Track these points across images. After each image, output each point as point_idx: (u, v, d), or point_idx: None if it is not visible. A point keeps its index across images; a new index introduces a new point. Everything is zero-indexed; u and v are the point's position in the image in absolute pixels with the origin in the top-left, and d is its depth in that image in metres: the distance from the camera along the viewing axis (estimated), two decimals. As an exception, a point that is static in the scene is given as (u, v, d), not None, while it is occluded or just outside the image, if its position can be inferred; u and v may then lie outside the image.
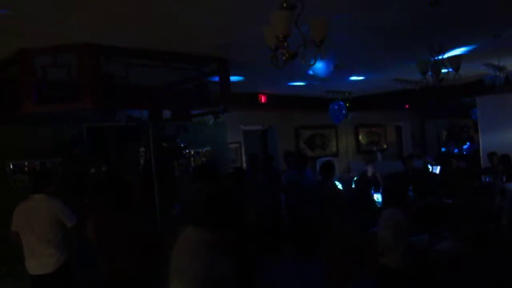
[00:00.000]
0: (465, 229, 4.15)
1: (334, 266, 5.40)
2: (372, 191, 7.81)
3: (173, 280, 2.50)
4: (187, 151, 7.09)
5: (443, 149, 13.90)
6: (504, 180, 7.06)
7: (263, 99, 9.18)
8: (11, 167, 5.41)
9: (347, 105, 10.20)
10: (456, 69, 5.04)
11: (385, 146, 13.38)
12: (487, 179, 7.58)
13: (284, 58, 2.49)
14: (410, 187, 6.86)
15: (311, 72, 5.70)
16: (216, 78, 5.69)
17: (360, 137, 12.66)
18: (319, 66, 5.33)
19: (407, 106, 12.91)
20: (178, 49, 4.95)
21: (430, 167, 10.07)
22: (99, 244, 4.11)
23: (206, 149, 7.41)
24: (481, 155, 9.54)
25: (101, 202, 4.36)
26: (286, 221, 7.72)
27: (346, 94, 10.19)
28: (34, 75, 4.29)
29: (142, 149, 6.69)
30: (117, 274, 4.03)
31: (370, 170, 8.58)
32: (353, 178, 9.24)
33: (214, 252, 2.41)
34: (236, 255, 4.45)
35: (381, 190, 7.45)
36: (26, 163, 5.51)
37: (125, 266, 4.00)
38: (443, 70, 5.22)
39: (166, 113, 6.65)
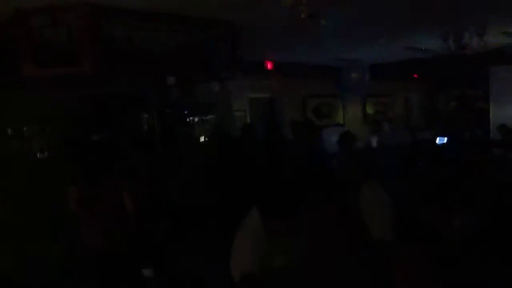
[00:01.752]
0: (481, 202, 4.03)
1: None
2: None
3: None
4: (191, 118, 6.93)
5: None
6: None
7: (269, 66, 8.91)
8: (10, 132, 5.26)
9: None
10: (481, 34, 4.77)
11: (392, 117, 13.15)
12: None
13: (302, 15, 2.28)
14: (422, 159, 6.70)
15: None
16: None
17: (367, 107, 12.42)
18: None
19: (415, 75, 12.63)
20: (184, 11, 4.70)
21: (439, 138, 9.88)
22: (80, 217, 4.03)
23: (211, 116, 7.24)
24: (491, 127, 9.34)
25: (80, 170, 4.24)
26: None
27: (357, 62, 9.92)
28: (32, 37, 4.07)
29: (145, 115, 6.53)
30: (99, 245, 4.03)
31: (375, 141, 8.41)
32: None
33: None
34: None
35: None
36: (25, 129, 5.35)
37: (106, 239, 4.00)
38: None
39: (170, 79, 6.45)
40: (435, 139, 10.13)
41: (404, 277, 3.06)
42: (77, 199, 4.02)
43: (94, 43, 4.06)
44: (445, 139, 10.05)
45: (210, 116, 7.18)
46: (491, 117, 9.55)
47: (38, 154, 5.43)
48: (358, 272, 2.27)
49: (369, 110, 12.49)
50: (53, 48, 4.19)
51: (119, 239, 4.08)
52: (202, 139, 7.03)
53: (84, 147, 5.56)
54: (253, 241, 2.21)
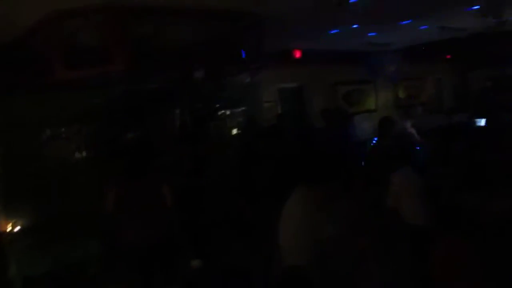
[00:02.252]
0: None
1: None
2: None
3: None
4: (222, 111, 6.93)
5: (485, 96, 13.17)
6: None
7: (297, 54, 8.81)
8: (49, 133, 5.38)
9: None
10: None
11: (425, 100, 12.84)
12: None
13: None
14: (460, 142, 6.49)
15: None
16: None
17: (399, 91, 12.16)
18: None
19: (448, 56, 12.27)
20: (210, 3, 4.68)
21: (476, 120, 9.56)
22: (119, 212, 4.11)
23: (242, 108, 7.23)
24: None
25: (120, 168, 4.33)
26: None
27: (385, 46, 9.71)
28: (64, 39, 4.14)
29: (177, 111, 6.57)
30: (139, 241, 4.09)
31: (408, 125, 8.20)
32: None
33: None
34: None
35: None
36: (63, 129, 5.47)
37: (146, 233, 4.06)
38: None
39: (199, 73, 6.45)
40: (470, 121, 9.83)
41: (441, 263, 2.99)
42: (117, 195, 4.08)
43: (123, 42, 4.10)
44: (482, 121, 9.73)
45: (241, 109, 7.17)
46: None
47: (76, 154, 5.53)
48: (389, 253, 2.35)
49: (401, 94, 12.24)
50: (84, 49, 4.24)
51: (159, 233, 4.14)
52: (234, 131, 7.03)
53: (121, 145, 5.63)
54: (303, 214, 2.25)
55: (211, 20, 4.97)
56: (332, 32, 7.35)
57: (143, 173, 4.13)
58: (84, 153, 5.64)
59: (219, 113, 6.86)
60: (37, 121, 5.33)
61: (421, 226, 4.24)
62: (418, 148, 7.19)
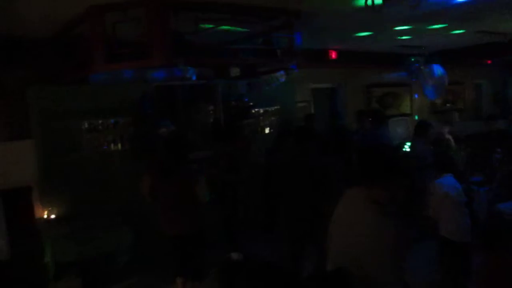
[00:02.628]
0: None
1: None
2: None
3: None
4: (255, 109, 6.93)
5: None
6: None
7: (333, 55, 8.73)
8: (86, 125, 5.50)
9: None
10: None
11: (462, 106, 12.50)
12: None
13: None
14: (499, 150, 6.30)
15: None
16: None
17: (435, 95, 11.88)
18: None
19: (489, 61, 11.90)
20: (247, 1, 4.68)
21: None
22: (154, 202, 4.29)
23: (275, 107, 7.21)
24: None
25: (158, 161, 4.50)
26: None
27: (423, 49, 9.51)
28: (104, 32, 4.21)
29: (211, 107, 6.60)
30: (172, 230, 4.25)
31: (446, 132, 8.00)
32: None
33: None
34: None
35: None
36: (100, 122, 5.58)
37: (178, 224, 4.22)
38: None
39: (234, 71, 6.47)
40: (510, 128, 9.51)
41: (488, 279, 2.89)
42: (151, 187, 4.21)
43: (163, 37, 4.13)
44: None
45: (275, 107, 7.15)
46: None
47: (112, 146, 5.64)
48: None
49: (437, 99, 11.95)
50: (123, 43, 4.30)
51: (190, 226, 4.28)
52: (267, 130, 7.02)
53: (154, 139, 5.70)
54: (373, 219, 2.17)
55: (248, 17, 4.96)
56: (366, 33, 7.25)
57: (174, 169, 4.21)
58: (119, 146, 5.72)
59: (253, 111, 6.85)
60: (76, 112, 5.45)
61: (456, 241, 4.10)
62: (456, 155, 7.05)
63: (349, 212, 2.26)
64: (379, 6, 4.38)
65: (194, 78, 4.66)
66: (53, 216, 5.21)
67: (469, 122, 11.47)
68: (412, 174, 5.17)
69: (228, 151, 5.93)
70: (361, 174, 2.27)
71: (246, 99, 6.62)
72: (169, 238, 4.28)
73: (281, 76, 5.62)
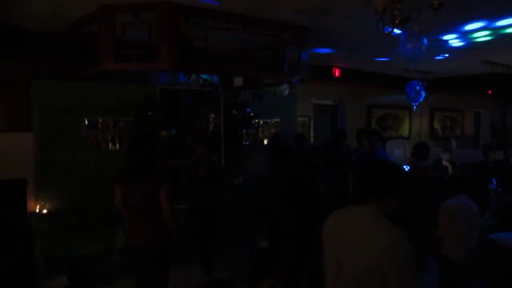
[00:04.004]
0: None
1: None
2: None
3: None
4: (256, 120, 6.95)
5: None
6: None
7: (337, 73, 8.79)
8: (86, 123, 5.49)
9: (425, 85, 9.63)
10: None
11: (460, 133, 12.58)
12: None
13: (396, 21, 2.18)
14: (494, 180, 6.32)
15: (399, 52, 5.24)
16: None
17: (434, 121, 11.97)
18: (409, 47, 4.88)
19: (490, 91, 12.01)
20: (258, 13, 4.73)
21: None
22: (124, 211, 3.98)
23: (275, 120, 7.23)
24: None
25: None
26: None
27: (425, 74, 9.60)
28: (114, 32, 4.24)
29: (212, 115, 6.61)
30: (132, 239, 3.96)
31: (445, 158, 8.02)
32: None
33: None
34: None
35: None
36: (100, 120, 5.57)
37: (138, 234, 3.90)
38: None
39: (237, 80, 6.49)
40: (507, 159, 9.55)
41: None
42: (120, 196, 3.91)
43: (172, 41, 4.16)
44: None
45: (275, 120, 7.17)
46: None
47: (110, 145, 5.62)
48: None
49: (436, 124, 12.04)
50: (132, 44, 4.32)
51: (156, 237, 3.93)
52: (265, 141, 7.03)
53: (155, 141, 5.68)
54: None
55: (257, 28, 5.01)
56: (373, 54, 7.32)
57: (138, 176, 3.84)
58: (117, 145, 5.71)
59: (253, 121, 6.87)
60: (78, 109, 5.45)
61: (456, 261, 4.09)
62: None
63: (360, 232, 2.10)
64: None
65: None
66: (45, 211, 5.17)
67: (466, 149, 11.53)
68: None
69: (210, 159, 5.57)
70: (369, 188, 2.16)
71: (248, 109, 6.63)
72: (131, 247, 3.99)
73: (284, 89, 5.65)
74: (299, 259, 4.38)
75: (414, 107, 9.71)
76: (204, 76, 5.67)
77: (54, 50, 5.40)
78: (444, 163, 7.85)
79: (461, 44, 6.36)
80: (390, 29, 2.26)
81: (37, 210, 5.16)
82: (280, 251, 4.39)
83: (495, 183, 6.29)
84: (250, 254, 4.68)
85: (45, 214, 5.14)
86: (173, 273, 4.16)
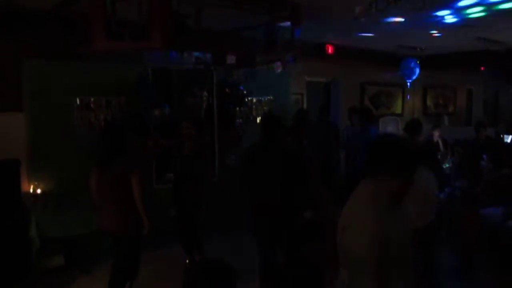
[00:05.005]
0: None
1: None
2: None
3: None
4: (249, 98, 6.92)
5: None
6: None
7: (330, 49, 8.74)
8: (78, 102, 5.45)
9: (419, 62, 9.63)
10: None
11: (453, 110, 12.63)
12: None
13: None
14: (484, 156, 6.39)
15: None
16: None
17: (427, 98, 12.00)
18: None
19: (482, 68, 12.02)
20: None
21: (502, 136, 9.40)
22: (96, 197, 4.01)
23: (268, 98, 7.21)
24: None
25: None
26: (343, 179, 7.47)
27: (419, 50, 9.58)
28: (105, 10, 4.16)
29: (205, 93, 6.58)
30: (105, 226, 4.01)
31: (436, 135, 8.08)
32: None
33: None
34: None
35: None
36: (92, 100, 5.53)
37: (110, 221, 3.93)
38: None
39: (231, 58, 6.44)
40: (498, 136, 9.66)
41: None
42: (93, 182, 3.94)
43: (164, 19, 4.10)
44: (510, 138, 9.56)
45: (268, 98, 7.15)
46: None
47: (102, 125, 5.59)
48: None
49: (429, 101, 12.07)
50: (124, 23, 4.26)
51: (127, 225, 3.95)
52: (258, 119, 7.02)
53: (146, 121, 5.67)
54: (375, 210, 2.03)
55: (250, 7, 4.95)
56: (365, 30, 7.27)
57: (109, 160, 3.87)
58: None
59: (246, 100, 6.84)
60: (69, 89, 5.40)
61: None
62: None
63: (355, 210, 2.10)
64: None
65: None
66: (39, 191, 5.17)
67: (458, 127, 11.61)
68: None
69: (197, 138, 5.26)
70: (375, 163, 2.10)
71: (241, 87, 6.60)
72: (105, 233, 4.05)
73: (277, 67, 5.61)
74: (275, 235, 4.38)
75: (408, 84, 9.73)
76: (196, 54, 5.63)
77: (44, 29, 5.31)
78: (436, 139, 7.92)
79: (454, 20, 6.34)
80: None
81: (31, 191, 5.17)
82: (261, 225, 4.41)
83: (486, 159, 6.36)
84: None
85: (39, 194, 5.15)
86: (156, 253, 4.23)
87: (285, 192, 4.29)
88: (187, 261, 5.13)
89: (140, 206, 3.87)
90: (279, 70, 5.64)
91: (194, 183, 4.94)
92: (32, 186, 5.17)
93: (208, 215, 5.15)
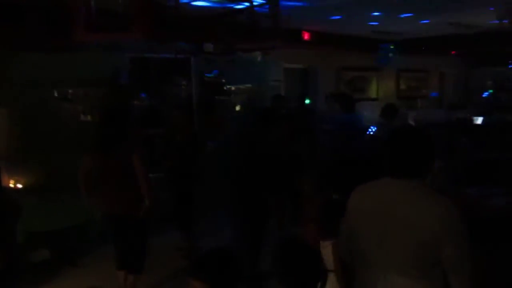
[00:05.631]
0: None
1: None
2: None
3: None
4: (228, 86, 6.95)
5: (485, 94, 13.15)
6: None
7: (306, 36, 8.79)
8: (56, 95, 5.37)
9: (392, 47, 9.80)
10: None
11: (426, 93, 12.91)
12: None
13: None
14: (464, 139, 6.60)
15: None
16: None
17: (400, 82, 12.22)
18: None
19: (453, 52, 12.30)
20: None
21: (475, 117, 9.69)
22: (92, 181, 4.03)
23: (247, 85, 7.25)
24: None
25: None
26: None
27: (392, 35, 9.72)
28: (85, 1, 4.10)
29: (184, 82, 6.57)
30: (108, 208, 4.06)
31: (411, 116, 8.31)
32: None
33: None
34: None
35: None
36: (70, 92, 5.46)
37: (114, 202, 3.99)
38: None
39: (208, 47, 6.42)
40: (471, 118, 9.94)
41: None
42: (92, 166, 3.98)
43: (145, 10, 4.08)
44: (480, 119, 9.86)
45: (247, 85, 7.19)
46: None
47: (81, 117, 5.54)
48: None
49: (403, 85, 12.30)
50: (105, 14, 4.21)
51: (133, 205, 4.00)
52: (237, 107, 7.07)
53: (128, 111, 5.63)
54: None
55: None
56: (340, 15, 7.34)
57: (113, 145, 3.94)
58: (89, 117, 5.63)
59: (225, 88, 6.86)
60: (46, 81, 5.31)
61: None
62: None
63: (409, 205, 2.02)
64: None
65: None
66: (20, 186, 5.11)
67: (431, 110, 11.90)
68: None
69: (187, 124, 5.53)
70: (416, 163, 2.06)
71: (221, 75, 6.62)
72: (107, 217, 4.10)
73: (259, 55, 5.65)
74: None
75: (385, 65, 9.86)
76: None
77: (22, 20, 5.17)
78: (411, 122, 8.14)
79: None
80: None
81: (12, 185, 5.10)
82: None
83: (458, 141, 6.57)
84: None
85: (20, 189, 5.08)
86: (152, 240, 4.30)
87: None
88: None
89: (145, 184, 3.94)
90: (259, 59, 5.69)
91: (190, 169, 5.20)
92: (13, 181, 5.10)
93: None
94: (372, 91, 11.31)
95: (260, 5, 5.40)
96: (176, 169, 5.27)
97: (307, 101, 8.23)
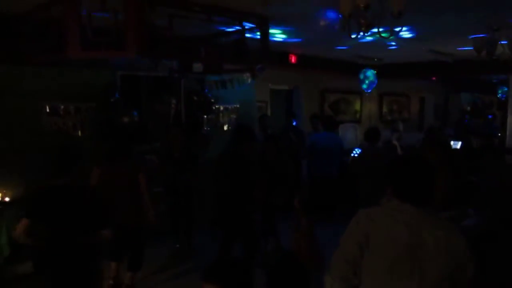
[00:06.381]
0: (494, 211, 4.13)
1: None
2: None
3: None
4: (216, 106, 7.08)
5: (466, 121, 13.54)
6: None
7: (293, 59, 9.01)
8: (48, 109, 5.44)
9: (376, 73, 10.09)
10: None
11: (408, 117, 13.24)
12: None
13: (362, 28, 2.41)
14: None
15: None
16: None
17: (383, 105, 12.53)
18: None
19: (434, 78, 12.70)
20: (221, 3, 4.84)
21: (452, 142, 9.94)
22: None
23: (235, 105, 7.39)
24: (507, 134, 9.43)
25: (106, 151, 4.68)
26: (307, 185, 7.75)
27: (376, 60, 10.02)
28: (79, 18, 4.22)
29: (174, 101, 6.69)
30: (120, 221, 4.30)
31: (394, 137, 8.51)
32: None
33: None
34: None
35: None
36: (62, 107, 5.53)
37: (124, 215, 4.35)
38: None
39: (197, 67, 6.56)
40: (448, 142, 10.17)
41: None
42: (99, 177, 4.40)
43: (139, 29, 4.21)
44: (459, 144, 10.11)
45: (235, 106, 7.34)
46: (508, 124, 9.59)
47: (71, 131, 5.60)
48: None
49: (385, 108, 12.61)
50: (98, 31, 4.31)
51: (132, 216, 4.45)
52: (225, 127, 7.20)
53: (114, 128, 5.74)
54: None
55: (220, 18, 5.13)
56: (326, 40, 7.58)
57: (123, 158, 4.49)
58: (79, 132, 5.70)
59: (214, 107, 7.00)
60: (37, 95, 5.38)
61: None
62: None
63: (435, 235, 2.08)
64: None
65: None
66: (7, 199, 5.12)
67: (412, 133, 12.18)
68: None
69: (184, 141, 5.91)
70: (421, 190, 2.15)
71: (210, 95, 6.75)
72: (118, 228, 4.30)
73: (247, 77, 5.81)
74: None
75: (367, 93, 10.13)
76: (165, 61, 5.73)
77: (14, 34, 5.25)
78: (394, 142, 8.35)
79: (410, 36, 6.74)
80: (356, 34, 2.48)
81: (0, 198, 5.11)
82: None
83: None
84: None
85: (7, 202, 5.09)
86: (150, 251, 4.83)
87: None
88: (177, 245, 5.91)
89: (148, 199, 4.51)
90: (249, 81, 5.85)
91: (188, 183, 5.76)
92: (0, 194, 5.11)
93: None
94: (355, 114, 11.57)
95: (250, 28, 5.59)
96: (176, 184, 5.75)
97: (294, 123, 8.41)
